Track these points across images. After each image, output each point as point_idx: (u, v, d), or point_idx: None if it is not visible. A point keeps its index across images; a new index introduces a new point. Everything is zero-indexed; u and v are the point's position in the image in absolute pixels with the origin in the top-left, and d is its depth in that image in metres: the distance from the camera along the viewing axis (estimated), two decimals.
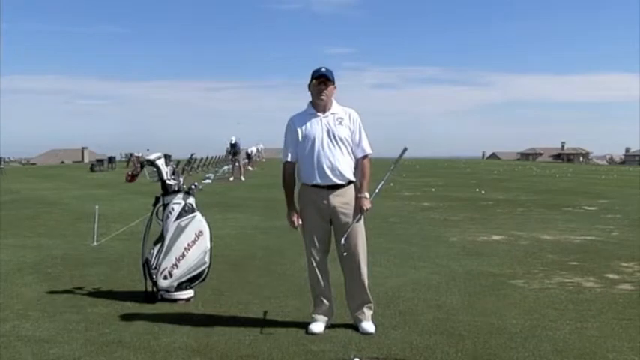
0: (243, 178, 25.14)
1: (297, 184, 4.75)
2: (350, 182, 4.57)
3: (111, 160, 41.43)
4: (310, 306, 4.78)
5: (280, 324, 4.75)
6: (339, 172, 4.50)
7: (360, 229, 4.63)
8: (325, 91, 4.54)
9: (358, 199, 4.54)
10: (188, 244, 5.47)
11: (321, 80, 4.53)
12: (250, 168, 36.19)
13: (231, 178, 25.01)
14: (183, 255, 5.45)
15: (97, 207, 9.15)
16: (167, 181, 5.66)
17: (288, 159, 4.65)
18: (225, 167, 27.77)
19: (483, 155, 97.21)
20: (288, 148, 4.64)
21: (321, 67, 4.58)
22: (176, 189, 5.64)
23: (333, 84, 4.59)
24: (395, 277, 6.36)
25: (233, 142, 26.52)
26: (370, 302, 4.67)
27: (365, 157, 4.64)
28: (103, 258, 7.58)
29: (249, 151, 38.88)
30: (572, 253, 7.85)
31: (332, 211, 4.53)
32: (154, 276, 5.46)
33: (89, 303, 5.43)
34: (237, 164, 26.56)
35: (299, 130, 4.60)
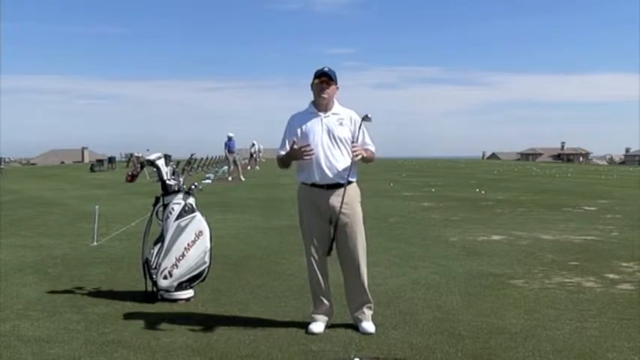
0: (243, 178, 25.07)
1: (296, 183, 4.75)
2: (349, 182, 4.56)
3: (111, 160, 41.45)
4: (310, 306, 4.78)
5: (280, 324, 4.75)
6: (339, 171, 4.50)
7: (359, 229, 4.63)
8: (327, 90, 4.55)
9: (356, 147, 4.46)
10: (188, 244, 5.47)
11: (323, 80, 4.54)
12: (250, 167, 36.13)
13: (230, 178, 24.95)
14: (183, 255, 5.45)
15: (96, 207, 9.15)
16: (167, 181, 5.66)
17: (283, 153, 4.64)
18: (225, 167, 27.68)
19: (483, 155, 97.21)
20: (284, 143, 4.63)
21: (324, 67, 4.60)
22: (176, 189, 5.64)
23: (335, 84, 4.61)
24: (395, 277, 6.36)
25: (230, 136, 26.16)
26: (370, 302, 4.66)
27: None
28: (103, 258, 7.58)
29: (252, 151, 38.76)
30: (572, 253, 7.84)
31: (332, 211, 4.53)
32: (154, 276, 5.46)
33: (89, 303, 5.43)
34: (234, 165, 26.32)
35: (299, 129, 4.60)
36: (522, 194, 17.80)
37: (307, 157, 4.45)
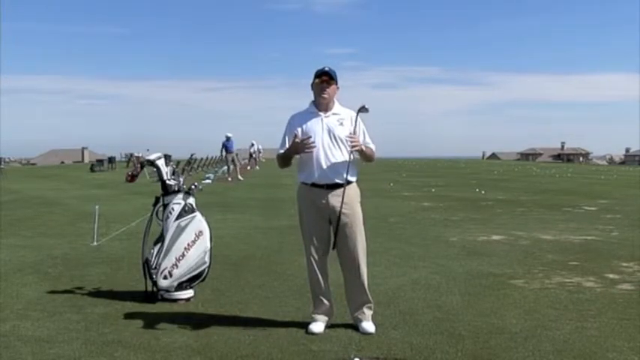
0: (240, 177, 25.02)
1: (296, 183, 4.75)
2: (349, 182, 4.56)
3: (111, 160, 41.44)
4: (310, 306, 4.78)
5: (280, 324, 4.75)
6: (339, 171, 4.49)
7: (359, 229, 4.63)
8: (327, 90, 4.55)
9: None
10: (188, 244, 5.47)
11: (324, 79, 4.54)
12: (249, 168, 36.16)
13: (229, 178, 24.95)
14: (183, 255, 5.45)
15: (96, 207, 9.15)
16: (167, 181, 5.66)
17: (283, 151, 4.65)
18: (225, 167, 27.69)
19: (483, 155, 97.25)
20: (285, 142, 4.64)
21: (324, 67, 4.60)
22: (176, 189, 5.63)
23: (336, 83, 4.60)
24: (395, 277, 6.36)
25: (228, 136, 26.12)
26: (370, 302, 4.66)
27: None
28: (103, 258, 7.58)
29: (252, 151, 38.78)
30: (572, 253, 7.84)
31: (331, 210, 4.53)
32: (154, 276, 5.46)
33: (89, 303, 5.43)
34: (232, 165, 26.30)
35: (299, 128, 4.59)
36: (522, 194, 17.80)
37: (309, 151, 4.44)
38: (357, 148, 4.44)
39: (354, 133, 4.51)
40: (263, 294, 5.71)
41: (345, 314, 4.76)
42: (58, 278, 6.45)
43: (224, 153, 26.45)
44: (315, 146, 4.44)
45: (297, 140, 4.44)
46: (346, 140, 4.52)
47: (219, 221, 10.69)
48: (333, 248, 4.60)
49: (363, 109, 4.53)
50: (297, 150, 4.48)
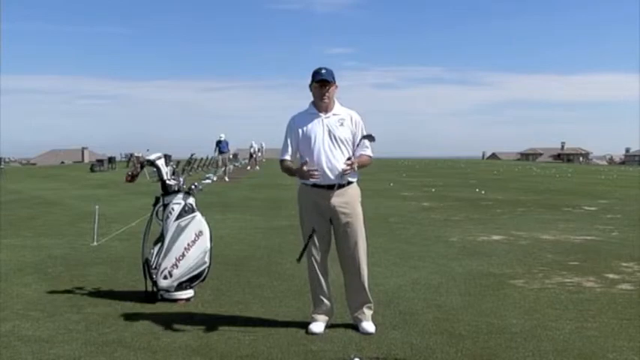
0: (227, 179, 24.97)
1: (296, 183, 4.76)
2: (349, 182, 4.57)
3: (111, 160, 41.43)
4: (310, 306, 4.78)
5: (280, 324, 4.75)
6: (340, 172, 4.49)
7: (359, 229, 4.63)
8: (327, 94, 4.54)
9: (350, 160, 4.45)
10: (188, 244, 5.47)
11: (322, 84, 4.53)
12: (249, 168, 36.17)
13: (227, 178, 24.97)
14: (183, 255, 5.45)
15: (97, 207, 9.16)
16: (167, 181, 5.66)
17: (286, 157, 4.65)
18: (224, 168, 27.70)
19: (483, 155, 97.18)
20: (286, 146, 4.65)
21: (320, 69, 4.57)
22: (176, 189, 5.64)
23: (334, 84, 4.59)
24: (395, 277, 6.36)
25: (221, 137, 26.25)
26: (370, 302, 4.66)
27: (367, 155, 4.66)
28: (103, 258, 7.58)
29: (251, 151, 38.80)
30: (572, 253, 7.85)
31: (332, 210, 4.53)
32: (154, 276, 5.46)
33: (89, 303, 5.43)
34: (226, 166, 26.39)
35: (300, 130, 4.60)
36: (522, 194, 17.80)
37: (313, 180, 4.47)
38: (348, 172, 4.44)
39: (353, 153, 4.52)
40: (263, 294, 5.72)
41: (345, 314, 4.76)
42: (58, 278, 6.45)
43: (217, 154, 26.83)
44: (319, 176, 4.46)
45: (304, 168, 4.46)
46: (347, 141, 4.53)
47: (219, 221, 10.70)
48: (299, 260, 4.55)
49: (370, 137, 4.56)
50: (302, 176, 4.51)
